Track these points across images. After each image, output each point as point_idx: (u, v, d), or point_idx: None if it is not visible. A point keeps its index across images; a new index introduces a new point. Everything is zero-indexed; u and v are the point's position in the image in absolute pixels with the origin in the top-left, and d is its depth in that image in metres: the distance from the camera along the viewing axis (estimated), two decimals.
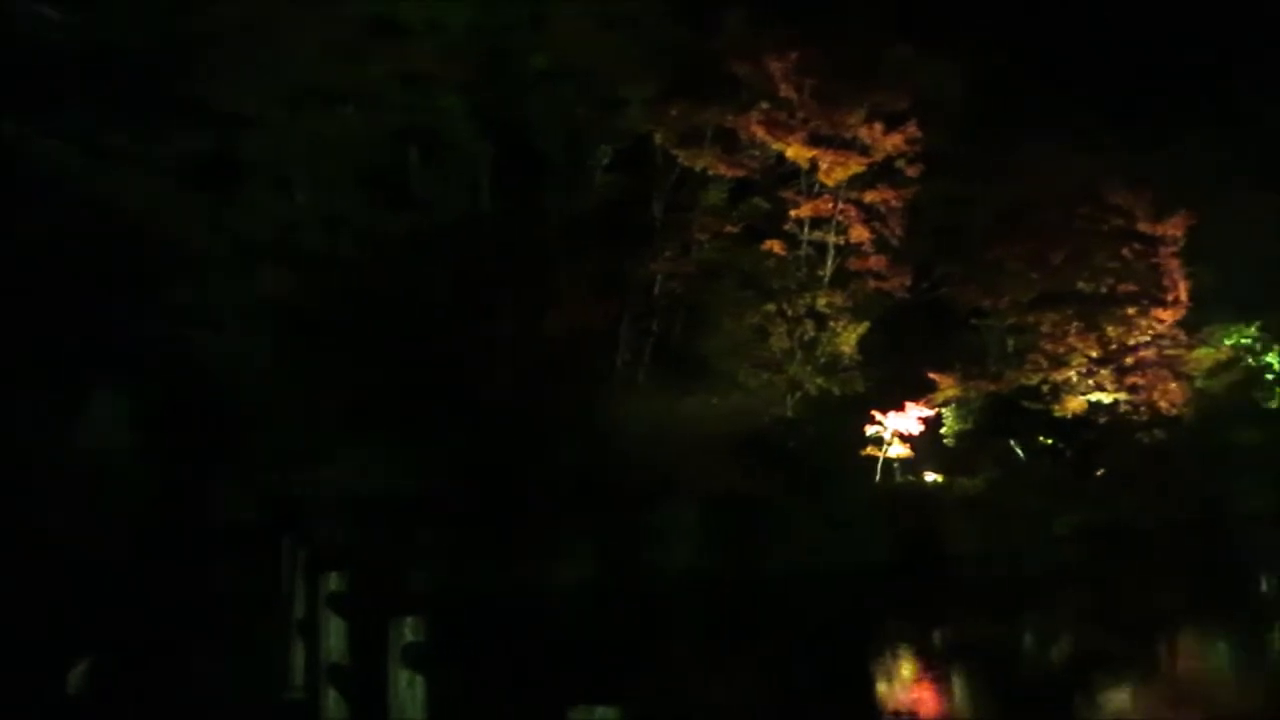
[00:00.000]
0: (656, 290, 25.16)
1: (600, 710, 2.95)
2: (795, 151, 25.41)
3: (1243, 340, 34.57)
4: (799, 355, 25.17)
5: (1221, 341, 34.34)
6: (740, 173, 25.62)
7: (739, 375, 24.61)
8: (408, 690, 4.66)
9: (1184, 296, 29.97)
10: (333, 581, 6.29)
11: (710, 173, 25.21)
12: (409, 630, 4.69)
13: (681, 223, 25.32)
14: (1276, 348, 34.93)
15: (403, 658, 4.65)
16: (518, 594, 15.91)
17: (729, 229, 25.56)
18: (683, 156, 24.87)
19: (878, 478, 25.68)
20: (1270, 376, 34.60)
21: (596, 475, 18.71)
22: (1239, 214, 32.46)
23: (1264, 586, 23.10)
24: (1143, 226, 29.63)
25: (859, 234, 26.36)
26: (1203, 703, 12.23)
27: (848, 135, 25.41)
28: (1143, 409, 29.39)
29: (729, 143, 25.35)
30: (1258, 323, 34.95)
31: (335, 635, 6.21)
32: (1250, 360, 34.50)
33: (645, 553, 18.58)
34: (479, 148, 22.66)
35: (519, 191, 23.16)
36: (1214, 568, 23.92)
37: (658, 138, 24.71)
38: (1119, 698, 12.66)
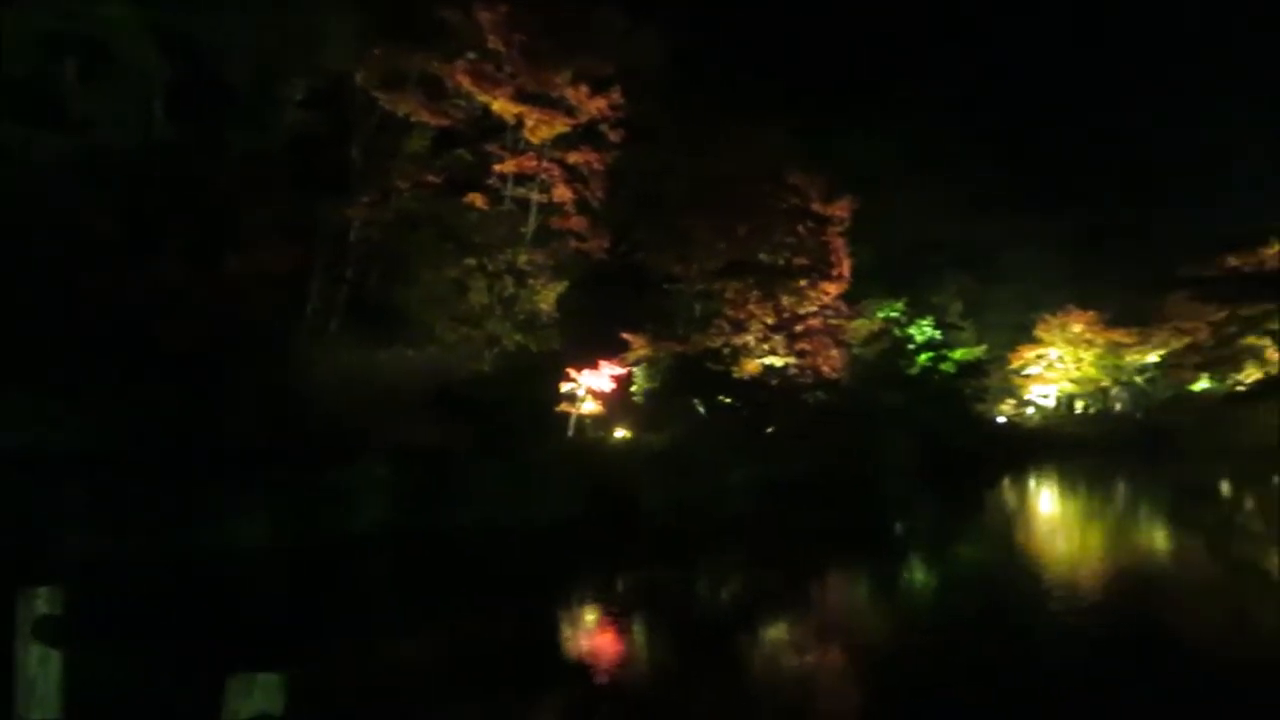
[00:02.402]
0: (352, 237, 24.12)
1: (262, 677, 2.79)
2: (501, 106, 25.25)
3: (892, 314, 39.73)
4: (498, 311, 25.21)
5: (875, 314, 39.14)
6: (445, 122, 25.05)
7: (436, 328, 24.24)
8: (40, 669, 4.20)
9: (846, 272, 33.37)
10: None
11: (413, 119, 24.44)
12: (43, 602, 4.22)
13: (381, 169, 24.38)
14: (918, 321, 40.34)
15: (34, 633, 4.17)
16: (185, 558, 14.77)
17: (431, 179, 24.98)
18: (384, 100, 23.91)
19: (570, 433, 26.39)
20: (912, 346, 40.00)
21: (279, 429, 17.70)
22: (893, 201, 36.72)
23: (898, 530, 26.37)
24: (816, 207, 32.58)
25: (562, 194, 26.75)
26: (845, 632, 13.79)
27: (554, 94, 25.60)
28: (809, 372, 32.45)
29: (434, 90, 24.69)
30: (904, 299, 40.14)
31: None
32: (897, 331, 39.63)
33: (330, 510, 17.89)
34: (153, 68, 20.42)
35: (200, 121, 21.17)
36: (860, 514, 26.94)
37: (359, 78, 23.57)
38: (777, 631, 13.98)
